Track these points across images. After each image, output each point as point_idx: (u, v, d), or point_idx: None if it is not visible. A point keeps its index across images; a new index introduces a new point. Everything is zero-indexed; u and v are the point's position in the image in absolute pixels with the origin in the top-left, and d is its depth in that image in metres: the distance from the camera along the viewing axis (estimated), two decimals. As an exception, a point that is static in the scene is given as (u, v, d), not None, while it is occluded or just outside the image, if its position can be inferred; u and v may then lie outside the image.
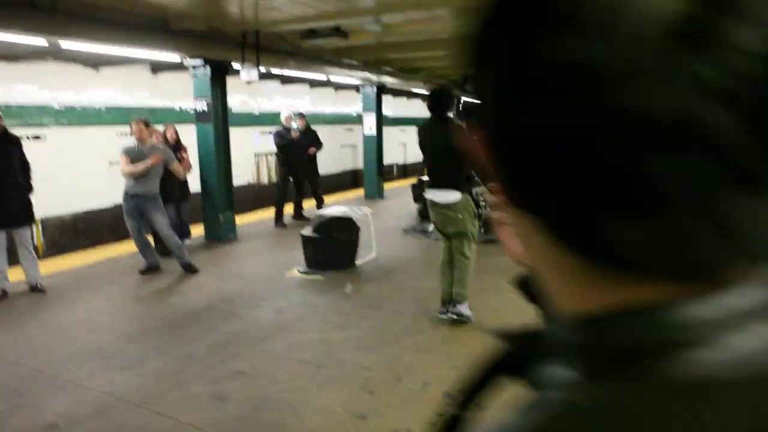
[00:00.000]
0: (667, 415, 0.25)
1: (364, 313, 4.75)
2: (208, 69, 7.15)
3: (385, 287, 5.44)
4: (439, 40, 8.35)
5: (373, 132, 11.13)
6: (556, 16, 0.25)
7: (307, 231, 6.19)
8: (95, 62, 10.19)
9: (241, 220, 8.44)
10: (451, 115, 4.42)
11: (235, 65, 7.42)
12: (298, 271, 5.97)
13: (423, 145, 4.43)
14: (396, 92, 15.83)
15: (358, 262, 6.25)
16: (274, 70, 8.46)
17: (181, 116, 11.74)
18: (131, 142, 5.99)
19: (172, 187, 7.00)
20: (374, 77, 10.66)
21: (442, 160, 4.23)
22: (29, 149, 7.89)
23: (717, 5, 0.23)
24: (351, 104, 17.58)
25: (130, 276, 5.98)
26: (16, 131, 8.54)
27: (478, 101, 0.31)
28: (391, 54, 9.78)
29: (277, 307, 4.90)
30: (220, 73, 7.30)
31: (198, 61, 7.12)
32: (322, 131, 9.69)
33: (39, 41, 5.76)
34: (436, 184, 4.36)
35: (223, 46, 7.10)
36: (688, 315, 0.26)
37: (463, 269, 4.38)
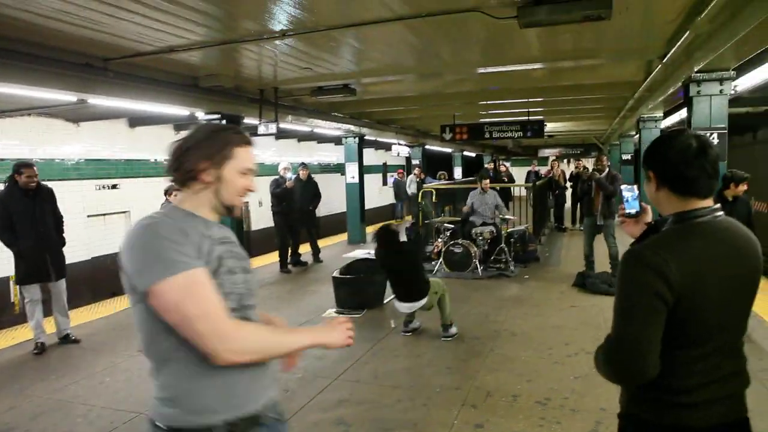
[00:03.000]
0: (688, 232, 1.40)
1: (422, 343, 5.16)
2: (224, 123, 7.48)
3: (426, 320, 5.85)
4: (407, 98, 9.41)
5: (356, 180, 11.68)
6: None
7: (337, 273, 6.55)
8: (75, 117, 10.23)
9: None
10: None
11: (248, 120, 7.81)
12: (334, 311, 6.29)
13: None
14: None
15: (386, 300, 6.65)
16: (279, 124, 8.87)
17: (156, 168, 11.85)
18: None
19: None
20: (356, 128, 11.28)
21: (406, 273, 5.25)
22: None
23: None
24: (301, 154, 18.03)
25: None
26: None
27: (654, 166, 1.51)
28: (370, 108, 10.50)
29: (337, 343, 5.20)
30: (234, 127, 7.64)
31: (214, 116, 7.45)
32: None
33: (72, 97, 5.89)
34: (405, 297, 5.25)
35: (239, 101, 7.49)
36: (701, 210, 1.42)
37: (443, 303, 5.30)
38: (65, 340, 5.58)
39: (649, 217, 1.71)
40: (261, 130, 7.56)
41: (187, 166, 1.51)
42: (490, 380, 4.22)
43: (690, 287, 1.33)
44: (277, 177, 8.99)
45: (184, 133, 1.61)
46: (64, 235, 5.70)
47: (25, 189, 5.28)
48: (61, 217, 5.70)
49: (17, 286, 8.73)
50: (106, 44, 4.95)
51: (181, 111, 7.28)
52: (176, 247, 1.38)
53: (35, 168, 5.41)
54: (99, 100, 6.08)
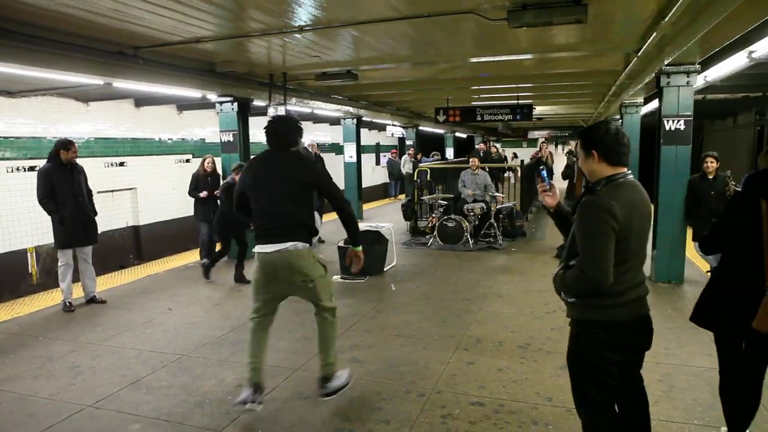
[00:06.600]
0: (619, 187, 2.19)
1: (420, 303, 5.88)
2: (235, 105, 8.09)
3: (424, 285, 6.59)
4: (403, 82, 10.05)
5: (354, 159, 12.32)
6: None
7: (342, 243, 7.24)
8: (85, 97, 10.70)
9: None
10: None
11: (257, 102, 8.41)
12: (339, 278, 6.99)
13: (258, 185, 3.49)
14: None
15: (386, 268, 7.36)
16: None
17: (160, 147, 12.37)
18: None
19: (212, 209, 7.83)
20: (354, 110, 11.89)
21: (288, 202, 3.43)
22: (24, 180, 8.35)
23: None
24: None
25: (170, 288, 6.74)
26: (12, 163, 9.03)
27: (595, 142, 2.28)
28: (368, 91, 11.11)
29: (347, 302, 5.91)
30: (244, 109, 8.25)
31: (227, 99, 8.05)
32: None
33: (99, 81, 6.42)
34: (274, 233, 3.42)
35: (250, 85, 8.08)
36: (621, 174, 2.22)
37: (333, 332, 3.74)
38: (92, 301, 6.25)
39: (557, 191, 2.51)
40: (270, 111, 8.15)
41: None
42: (479, 330, 4.96)
43: (625, 221, 2.08)
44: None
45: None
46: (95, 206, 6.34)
47: (66, 163, 5.89)
48: (91, 190, 6.32)
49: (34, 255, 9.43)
50: (139, 35, 5.51)
51: (195, 93, 7.85)
52: None
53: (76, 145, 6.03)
54: (129, 85, 6.64)
